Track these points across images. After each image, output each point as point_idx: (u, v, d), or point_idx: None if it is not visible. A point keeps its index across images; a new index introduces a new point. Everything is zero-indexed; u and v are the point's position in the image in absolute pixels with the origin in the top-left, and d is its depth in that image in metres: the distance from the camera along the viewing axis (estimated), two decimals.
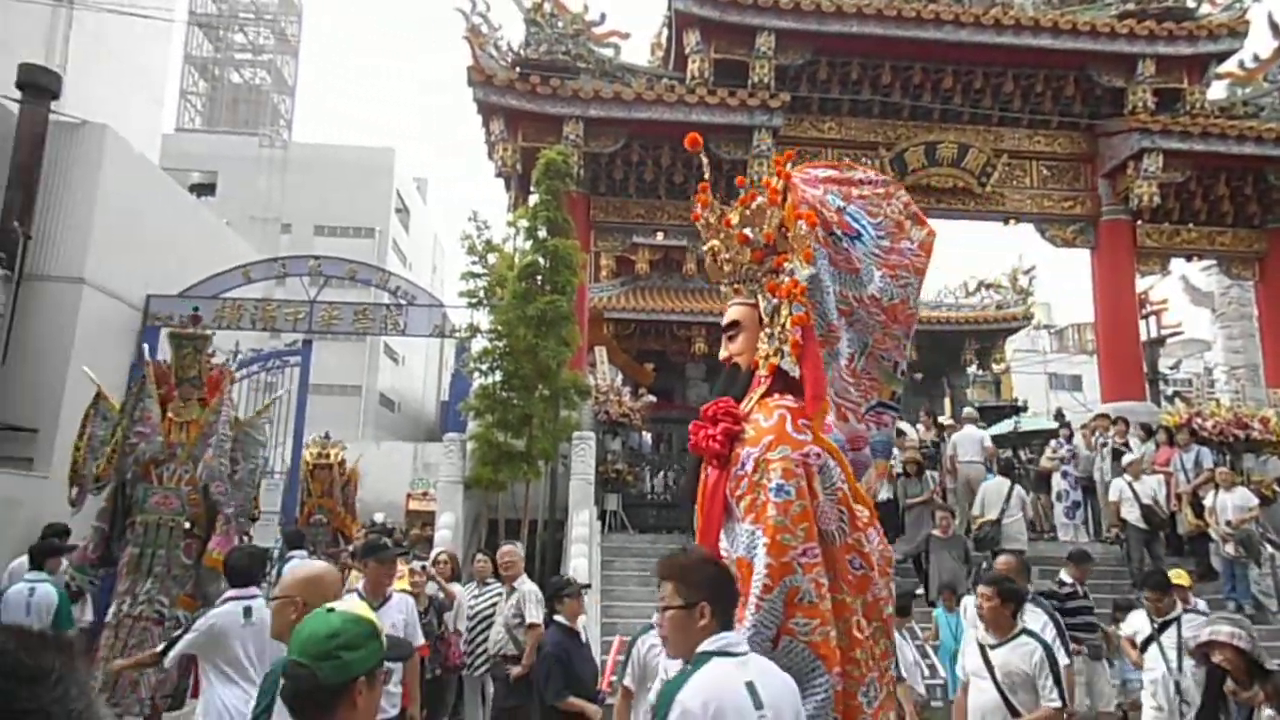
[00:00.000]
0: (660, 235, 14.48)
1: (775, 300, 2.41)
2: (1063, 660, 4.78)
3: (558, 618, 5.46)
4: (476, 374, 11.27)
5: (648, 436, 14.15)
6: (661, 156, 12.34)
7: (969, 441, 11.40)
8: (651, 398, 14.61)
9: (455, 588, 7.40)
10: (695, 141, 2.70)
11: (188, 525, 6.47)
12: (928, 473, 10.41)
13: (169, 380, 6.80)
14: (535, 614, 6.26)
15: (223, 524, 6.62)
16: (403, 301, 13.95)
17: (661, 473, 15.13)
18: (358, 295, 17.21)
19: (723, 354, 2.63)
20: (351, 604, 1.87)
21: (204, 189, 27.97)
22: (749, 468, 2.24)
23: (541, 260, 10.78)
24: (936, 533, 9.28)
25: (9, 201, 12.04)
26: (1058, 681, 4.18)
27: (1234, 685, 3.43)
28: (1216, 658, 3.46)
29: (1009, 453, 12.82)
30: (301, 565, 3.17)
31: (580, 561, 9.47)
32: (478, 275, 11.43)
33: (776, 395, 2.37)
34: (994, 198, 13.49)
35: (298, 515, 12.61)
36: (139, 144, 15.03)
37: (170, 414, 6.69)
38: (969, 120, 13.27)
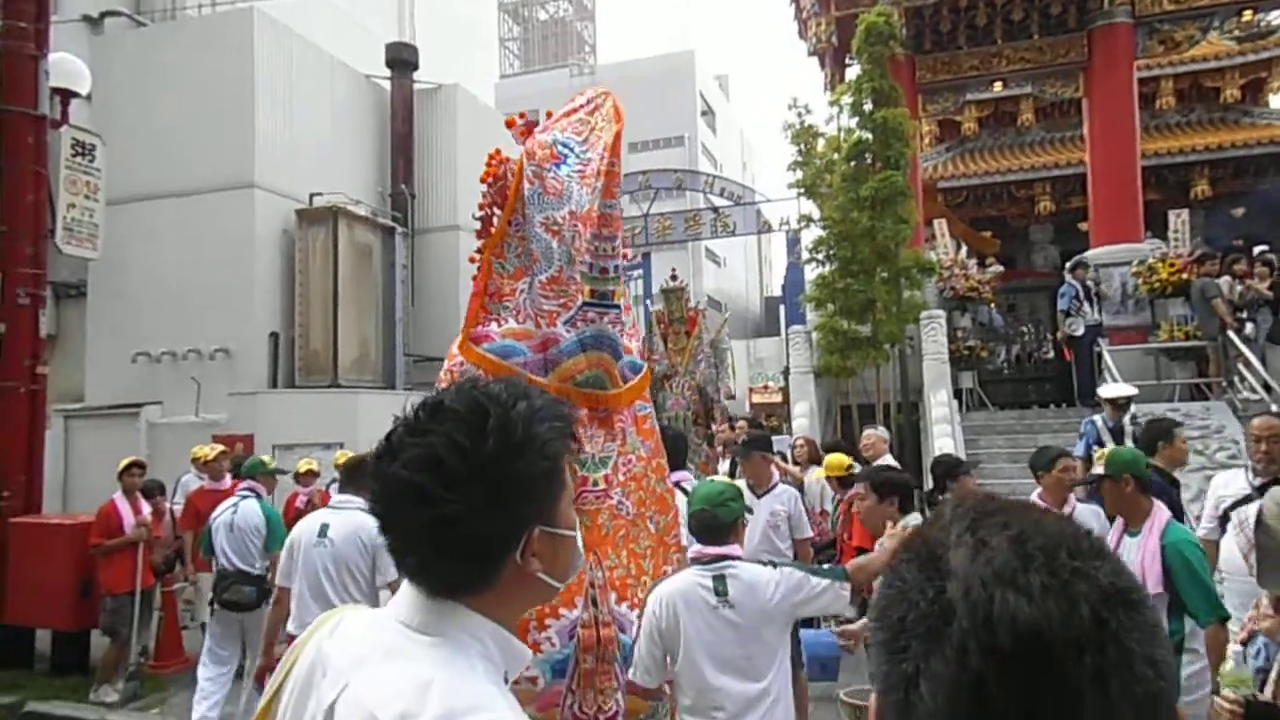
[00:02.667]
0: (998, 86, 13.08)
1: None
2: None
3: (946, 498, 5.38)
4: (813, 265, 11.23)
5: (995, 309, 13.18)
6: None
7: None
8: (998, 267, 13.56)
9: (813, 470, 7.67)
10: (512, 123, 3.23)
11: (692, 415, 9.47)
12: None
13: (664, 320, 9.84)
14: None
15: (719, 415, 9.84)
16: (729, 203, 14.20)
17: (1015, 346, 14.10)
18: (674, 204, 17.78)
19: None
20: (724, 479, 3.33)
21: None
22: None
23: (869, 136, 10.30)
24: None
25: (395, 168, 14.09)
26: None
27: None
28: None
29: None
30: None
31: (944, 441, 9.23)
32: (804, 164, 11.23)
33: None
34: None
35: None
36: (479, 95, 16.68)
37: (669, 345, 9.59)
38: None
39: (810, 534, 5.56)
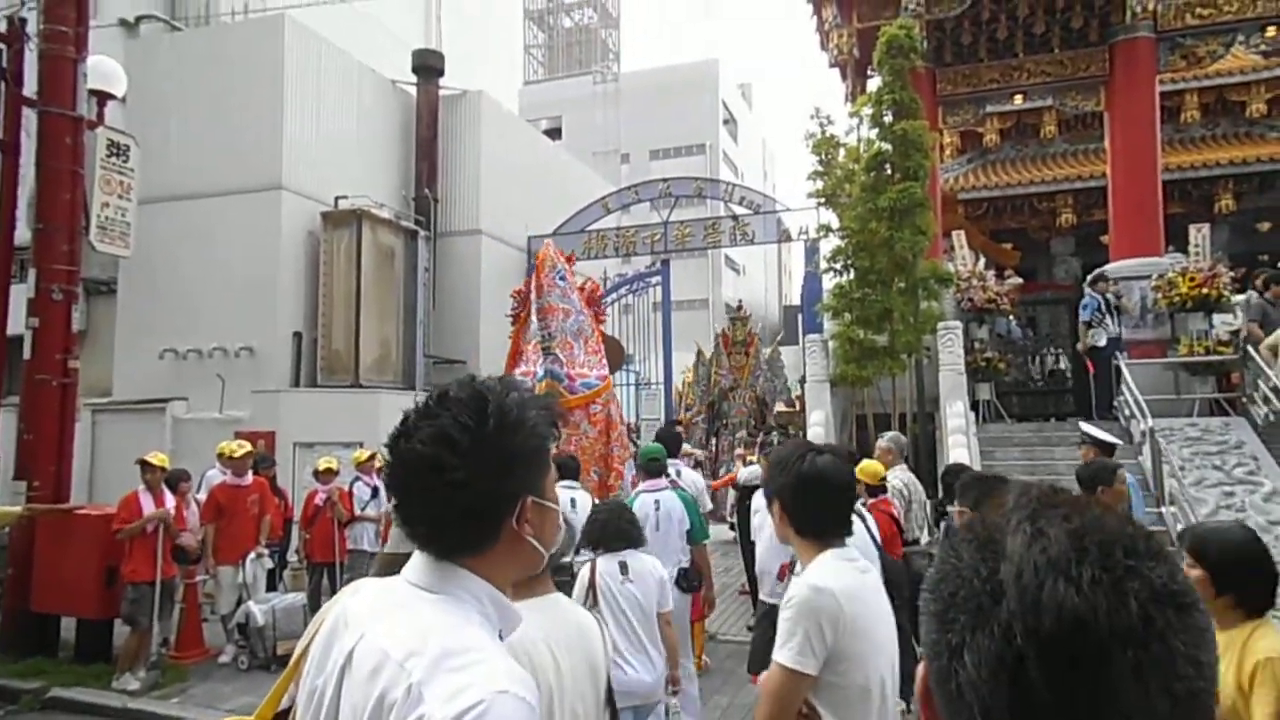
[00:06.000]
0: (1018, 99, 13.06)
1: None
2: None
3: (954, 507, 5.44)
4: (830, 273, 11.26)
5: (1014, 321, 13.16)
6: (1017, 8, 11.01)
7: None
8: (1018, 279, 13.52)
9: None
10: None
11: (752, 423, 10.81)
12: None
13: (728, 341, 11.24)
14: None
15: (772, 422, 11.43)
16: (749, 211, 14.27)
17: (1035, 358, 14.05)
18: (694, 212, 17.83)
19: None
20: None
21: (552, 133, 30.67)
22: None
23: (889, 147, 10.34)
24: None
25: (419, 172, 14.27)
26: None
27: None
28: None
29: None
30: None
31: (959, 452, 9.22)
32: (824, 174, 11.28)
33: None
34: None
35: (677, 419, 13.76)
36: (503, 102, 16.86)
37: (731, 362, 11.16)
38: None
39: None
